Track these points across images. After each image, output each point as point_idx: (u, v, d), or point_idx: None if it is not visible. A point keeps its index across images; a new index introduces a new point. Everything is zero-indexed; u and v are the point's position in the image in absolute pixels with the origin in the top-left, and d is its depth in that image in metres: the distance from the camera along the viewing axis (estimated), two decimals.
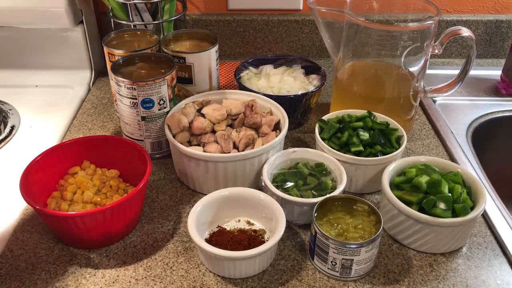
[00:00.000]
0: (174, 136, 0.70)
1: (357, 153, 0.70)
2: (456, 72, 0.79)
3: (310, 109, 0.86)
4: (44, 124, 0.86)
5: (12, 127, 0.85)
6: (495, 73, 1.03)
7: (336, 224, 0.59)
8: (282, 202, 0.62)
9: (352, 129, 0.72)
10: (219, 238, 0.61)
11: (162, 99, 0.72)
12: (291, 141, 0.83)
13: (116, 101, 0.76)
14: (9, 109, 0.89)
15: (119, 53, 0.77)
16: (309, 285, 0.58)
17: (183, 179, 0.73)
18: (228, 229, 0.63)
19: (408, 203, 0.61)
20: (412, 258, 0.62)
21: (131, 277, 0.58)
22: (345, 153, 0.69)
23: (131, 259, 0.61)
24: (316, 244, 0.58)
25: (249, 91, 0.80)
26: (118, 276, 0.59)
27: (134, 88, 0.70)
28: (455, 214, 0.59)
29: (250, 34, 1.09)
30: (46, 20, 0.93)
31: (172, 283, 0.58)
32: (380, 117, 0.75)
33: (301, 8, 1.07)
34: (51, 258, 0.61)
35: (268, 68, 0.89)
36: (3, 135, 0.83)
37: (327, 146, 0.70)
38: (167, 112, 0.74)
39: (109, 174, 0.69)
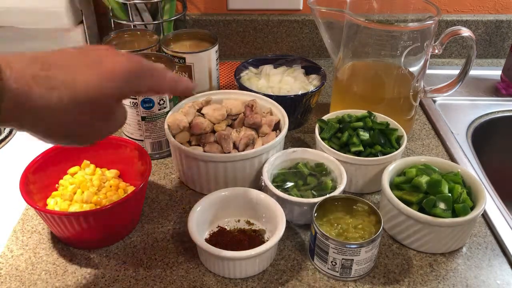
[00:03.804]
0: (174, 136, 0.70)
1: (357, 153, 0.70)
2: (456, 72, 0.79)
3: (310, 109, 0.86)
4: None
5: None
6: (495, 73, 1.03)
7: (336, 224, 0.59)
8: (282, 202, 0.62)
9: (352, 129, 0.72)
10: (219, 238, 0.61)
11: (162, 99, 0.72)
12: (291, 141, 0.83)
13: None
14: None
15: None
16: (309, 285, 0.58)
17: (183, 179, 0.73)
18: (228, 229, 0.63)
19: (408, 203, 0.61)
20: (412, 258, 0.62)
21: (131, 277, 0.58)
22: (345, 153, 0.69)
23: (131, 259, 0.61)
24: (316, 244, 0.58)
25: (249, 91, 0.80)
26: (118, 276, 0.59)
27: None
28: (455, 214, 0.59)
29: (250, 34, 1.09)
30: (46, 20, 0.93)
31: (172, 283, 0.58)
32: (380, 117, 0.75)
33: (301, 8, 1.07)
34: (51, 258, 0.61)
35: (268, 68, 0.89)
36: (3, 135, 0.83)
37: (327, 146, 0.70)
38: (167, 112, 0.74)
39: (109, 174, 0.69)
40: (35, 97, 0.39)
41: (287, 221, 0.60)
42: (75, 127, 0.43)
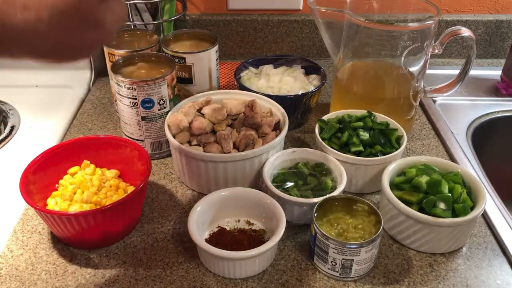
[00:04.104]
0: (174, 136, 0.70)
1: (357, 153, 0.70)
2: (456, 72, 0.79)
3: (310, 109, 0.86)
4: (44, 124, 0.86)
5: (12, 127, 0.85)
6: (495, 73, 1.03)
7: (336, 224, 0.59)
8: (282, 202, 0.62)
9: (352, 129, 0.72)
10: (219, 238, 0.61)
11: (162, 99, 0.72)
12: (291, 141, 0.83)
13: (116, 101, 0.76)
14: (9, 109, 0.89)
15: (119, 53, 0.77)
16: (309, 285, 0.58)
17: (183, 179, 0.73)
18: (228, 229, 0.63)
19: (408, 203, 0.61)
20: (412, 258, 0.62)
21: (131, 277, 0.58)
22: (345, 153, 0.69)
23: (131, 259, 0.61)
24: (316, 244, 0.58)
25: (249, 91, 0.80)
26: (118, 276, 0.59)
27: (134, 88, 0.70)
28: (455, 214, 0.59)
29: (250, 34, 1.09)
30: None
31: (172, 283, 0.58)
32: (380, 117, 0.75)
33: (301, 8, 1.07)
34: (51, 258, 0.61)
35: (268, 68, 0.89)
36: (3, 135, 0.83)
37: (327, 146, 0.70)
38: (167, 112, 0.74)
39: (109, 174, 0.69)
40: (13, 21, 0.36)
41: (287, 221, 0.60)
42: (68, 40, 0.40)
